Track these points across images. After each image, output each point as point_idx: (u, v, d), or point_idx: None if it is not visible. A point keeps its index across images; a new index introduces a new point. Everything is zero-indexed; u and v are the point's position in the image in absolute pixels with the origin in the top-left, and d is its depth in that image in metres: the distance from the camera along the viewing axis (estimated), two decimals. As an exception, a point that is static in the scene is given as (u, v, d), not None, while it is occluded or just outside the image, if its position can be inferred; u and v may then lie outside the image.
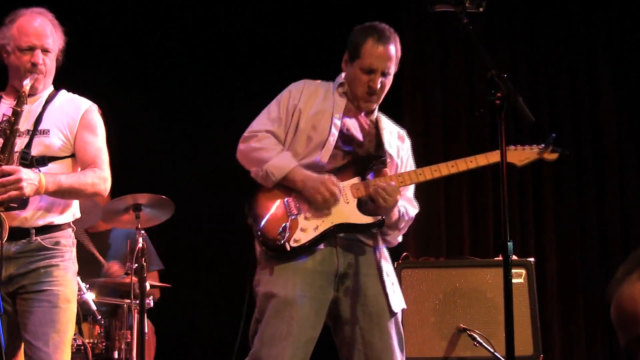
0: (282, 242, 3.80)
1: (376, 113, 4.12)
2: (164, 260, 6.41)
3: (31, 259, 3.87)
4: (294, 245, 3.81)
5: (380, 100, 4.06)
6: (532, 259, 5.36)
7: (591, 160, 7.04)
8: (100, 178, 3.98)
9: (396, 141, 4.11)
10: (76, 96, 4.15)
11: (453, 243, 6.99)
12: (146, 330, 5.40)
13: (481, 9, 3.56)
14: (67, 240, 4.01)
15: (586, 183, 7.04)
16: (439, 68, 7.18)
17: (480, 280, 5.25)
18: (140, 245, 5.44)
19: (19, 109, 3.83)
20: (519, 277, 5.18)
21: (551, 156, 3.92)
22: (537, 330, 5.15)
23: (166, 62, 7.25)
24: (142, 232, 5.58)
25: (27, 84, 3.88)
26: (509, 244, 3.27)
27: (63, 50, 4.09)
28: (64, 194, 3.90)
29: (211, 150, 6.92)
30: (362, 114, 4.06)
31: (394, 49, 3.97)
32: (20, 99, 3.85)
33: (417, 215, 6.65)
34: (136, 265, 5.45)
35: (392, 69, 3.98)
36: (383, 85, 3.97)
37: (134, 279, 5.47)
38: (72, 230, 4.07)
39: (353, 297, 3.88)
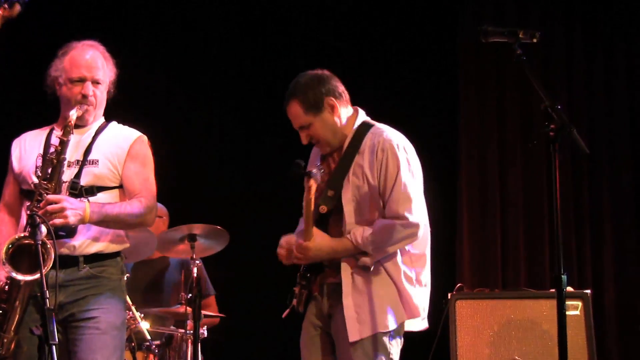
0: None
1: (347, 141, 4.10)
2: (219, 289, 6.43)
3: (80, 287, 3.90)
4: None
5: (322, 143, 4.11)
6: (588, 291, 5.29)
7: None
8: (147, 208, 4.01)
9: (366, 162, 4.02)
10: (126, 127, 4.20)
11: (509, 274, 6.92)
12: (200, 360, 5.43)
13: (535, 40, 3.54)
14: (116, 269, 4.05)
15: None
16: (496, 94, 7.15)
17: (536, 311, 5.20)
18: (195, 275, 5.48)
19: (65, 139, 3.88)
20: (575, 309, 5.12)
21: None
22: (594, 363, 5.08)
23: (221, 90, 7.32)
24: (197, 261, 5.62)
25: (72, 114, 3.93)
26: (563, 277, 3.24)
27: (114, 82, 4.14)
28: (110, 223, 3.93)
29: (266, 180, 6.96)
30: (332, 156, 4.13)
31: (292, 107, 4.08)
32: (67, 128, 3.90)
33: (472, 244, 6.65)
34: (190, 295, 5.50)
35: (299, 122, 4.09)
36: (310, 135, 4.10)
37: (189, 308, 5.51)
38: (121, 259, 4.10)
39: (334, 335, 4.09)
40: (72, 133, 3.92)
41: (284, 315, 4.13)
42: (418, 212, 3.96)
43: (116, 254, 4.06)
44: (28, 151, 4.07)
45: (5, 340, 3.71)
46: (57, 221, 3.70)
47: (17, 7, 3.52)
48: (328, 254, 3.99)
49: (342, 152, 4.09)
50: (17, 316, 3.71)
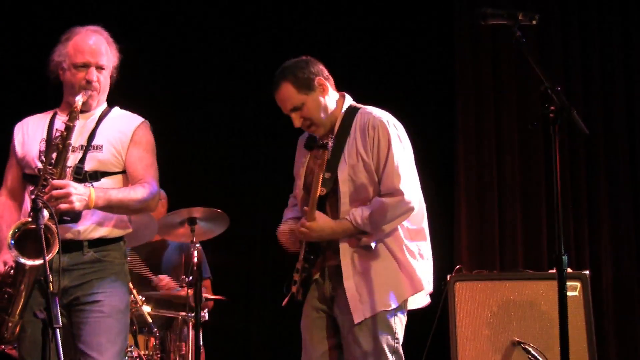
0: None
1: (337, 124, 4.15)
2: (217, 273, 6.46)
3: (84, 271, 3.93)
4: None
5: (316, 124, 4.13)
6: (587, 272, 5.30)
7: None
8: (150, 193, 4.01)
9: (358, 141, 4.08)
10: (128, 113, 4.21)
11: (506, 255, 6.94)
12: (201, 343, 5.45)
13: (534, 22, 3.55)
14: (119, 253, 4.07)
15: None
16: (492, 79, 7.15)
17: (535, 293, 5.21)
18: (195, 259, 5.50)
19: (70, 124, 3.88)
20: (574, 290, 5.13)
21: None
22: (592, 344, 5.08)
23: (220, 75, 7.33)
24: (197, 245, 5.63)
25: (79, 99, 3.94)
26: (563, 257, 3.26)
27: (117, 67, 4.15)
28: (114, 208, 3.95)
29: (266, 164, 6.98)
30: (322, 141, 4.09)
31: (284, 89, 4.12)
32: (72, 114, 3.90)
33: (470, 227, 6.67)
34: (191, 277, 5.52)
35: (292, 104, 4.12)
36: (302, 117, 4.12)
37: (190, 291, 5.53)
38: (124, 244, 4.13)
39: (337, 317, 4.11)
40: (78, 119, 3.92)
41: (283, 304, 4.16)
42: (412, 187, 4.02)
43: (119, 239, 4.09)
44: (31, 136, 4.08)
45: (10, 324, 3.74)
46: (63, 206, 3.71)
47: None
48: (329, 235, 4.02)
49: (333, 136, 4.11)
50: (22, 300, 3.73)
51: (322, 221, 4.00)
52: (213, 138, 7.33)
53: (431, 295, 4.23)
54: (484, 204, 7.02)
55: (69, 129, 3.88)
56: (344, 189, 4.04)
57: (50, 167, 3.83)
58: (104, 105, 4.17)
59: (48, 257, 3.49)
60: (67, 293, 3.87)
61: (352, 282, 3.99)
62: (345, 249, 4.03)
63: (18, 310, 3.74)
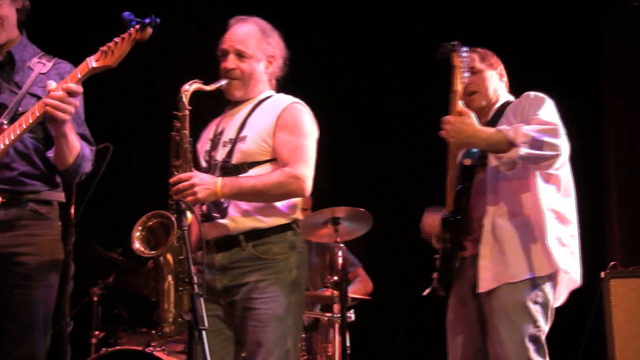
0: None
1: (491, 112, 4.13)
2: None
3: (243, 269, 3.74)
4: None
5: (481, 93, 4.11)
6: None
7: None
8: (291, 177, 3.74)
9: (509, 114, 4.03)
10: (281, 96, 4.00)
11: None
12: (348, 344, 5.41)
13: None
14: (283, 246, 3.79)
15: None
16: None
17: (696, 289, 5.01)
18: (340, 258, 5.46)
19: (179, 114, 3.74)
20: None
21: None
22: None
23: (364, 74, 7.32)
24: (341, 245, 5.59)
25: (187, 88, 3.78)
26: None
27: (284, 58, 4.01)
28: (247, 196, 3.74)
29: (410, 162, 6.92)
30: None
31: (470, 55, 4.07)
32: (180, 103, 3.74)
33: (622, 222, 6.49)
34: (336, 278, 5.50)
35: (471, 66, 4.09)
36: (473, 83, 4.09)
37: (335, 292, 5.50)
38: (292, 234, 3.83)
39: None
40: (187, 107, 3.74)
41: (424, 293, 4.10)
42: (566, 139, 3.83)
43: (279, 228, 3.82)
44: (204, 137, 4.03)
45: (169, 317, 3.67)
46: (189, 198, 3.58)
47: (149, 31, 3.43)
48: (469, 137, 3.80)
49: (487, 119, 4.05)
50: (172, 295, 3.62)
51: (465, 117, 3.80)
52: (355, 137, 7.32)
53: (582, 292, 4.05)
54: (635, 198, 6.81)
55: (179, 119, 3.73)
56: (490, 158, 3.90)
57: (175, 160, 3.73)
58: (261, 95, 3.99)
59: (157, 252, 3.50)
60: (229, 293, 3.74)
61: (487, 251, 3.85)
62: (488, 222, 3.87)
63: (171, 306, 3.62)
